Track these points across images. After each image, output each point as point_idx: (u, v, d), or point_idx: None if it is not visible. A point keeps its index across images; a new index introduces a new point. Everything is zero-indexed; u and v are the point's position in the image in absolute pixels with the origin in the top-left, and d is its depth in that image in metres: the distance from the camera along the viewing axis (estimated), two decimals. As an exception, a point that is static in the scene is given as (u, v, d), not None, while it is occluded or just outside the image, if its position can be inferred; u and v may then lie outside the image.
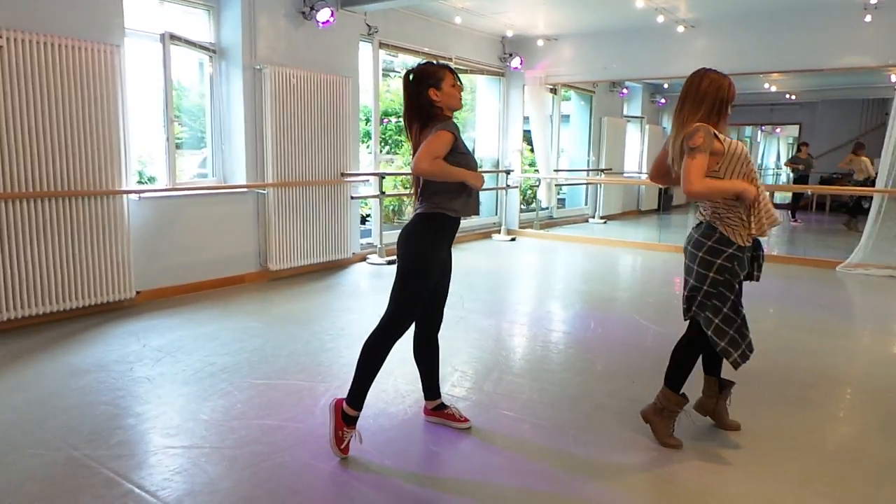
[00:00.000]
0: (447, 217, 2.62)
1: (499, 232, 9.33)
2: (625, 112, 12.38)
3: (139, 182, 5.51)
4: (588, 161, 11.41)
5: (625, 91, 12.05)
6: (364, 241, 7.45)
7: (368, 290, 5.99)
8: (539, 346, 4.27)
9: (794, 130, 16.22)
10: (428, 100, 2.59)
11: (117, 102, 4.73)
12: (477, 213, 2.73)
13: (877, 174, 7.35)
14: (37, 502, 2.30)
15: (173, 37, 5.31)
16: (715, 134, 2.52)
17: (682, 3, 7.05)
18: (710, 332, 2.63)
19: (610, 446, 2.78)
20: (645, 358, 3.98)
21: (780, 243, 9.75)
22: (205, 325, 4.56)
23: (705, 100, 2.55)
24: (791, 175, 12.67)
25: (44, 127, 4.36)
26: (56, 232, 4.50)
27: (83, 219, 4.64)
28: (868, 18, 6.78)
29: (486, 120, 9.69)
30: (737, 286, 2.64)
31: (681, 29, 7.81)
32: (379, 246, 7.19)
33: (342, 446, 2.62)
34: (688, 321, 2.79)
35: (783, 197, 14.74)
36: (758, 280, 2.74)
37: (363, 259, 7.17)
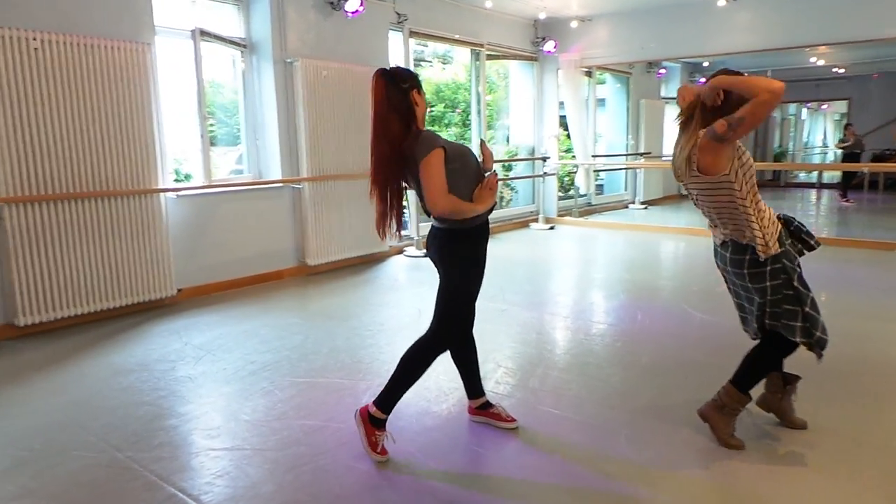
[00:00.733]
0: (472, 228, 2.49)
1: (537, 220, 9.15)
2: (662, 93, 12.01)
3: (176, 180, 5.53)
4: (626, 145, 11.12)
5: (662, 71, 11.68)
6: (400, 233, 7.36)
7: (406, 283, 5.91)
8: (583, 339, 4.13)
9: (841, 106, 15.53)
10: (409, 102, 2.40)
11: (151, 101, 4.73)
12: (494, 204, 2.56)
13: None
14: (81, 507, 2.28)
15: (204, 33, 5.29)
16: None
17: (725, -24, 6.74)
18: (799, 337, 2.45)
19: (664, 447, 2.64)
20: (696, 349, 3.80)
21: (830, 224, 9.34)
22: (245, 322, 4.54)
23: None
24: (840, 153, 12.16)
25: (80, 128, 4.38)
26: (96, 232, 4.53)
27: (122, 218, 4.66)
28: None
29: (521, 106, 9.49)
30: (798, 272, 2.45)
31: (722, 2, 7.46)
32: (416, 238, 7.10)
33: (378, 450, 2.54)
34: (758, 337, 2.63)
35: (831, 176, 14.16)
36: (818, 245, 2.58)
37: (400, 252, 7.10)
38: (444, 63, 10.68)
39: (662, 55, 9.17)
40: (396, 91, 2.39)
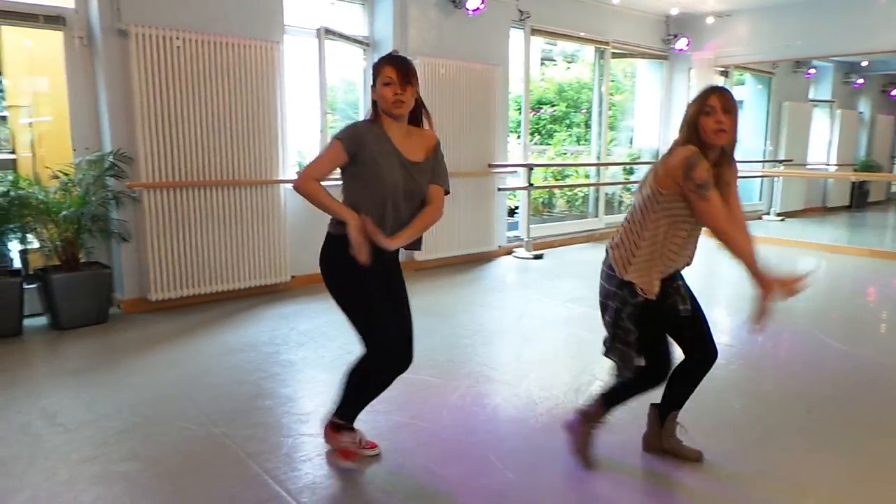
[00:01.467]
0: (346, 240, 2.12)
1: (656, 228, 8.67)
2: (811, 95, 10.95)
3: (297, 173, 5.78)
4: (764, 151, 10.25)
5: (811, 71, 10.64)
6: (511, 233, 7.27)
7: (512, 285, 5.81)
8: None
9: None
10: (374, 97, 2.24)
11: (277, 96, 4.99)
12: (401, 245, 2.22)
13: None
14: (178, 473, 2.42)
15: (328, 31, 5.49)
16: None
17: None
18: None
19: (784, 490, 2.35)
20: (825, 383, 3.38)
21: None
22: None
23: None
24: None
25: (213, 121, 4.70)
26: (222, 218, 4.84)
27: (245, 206, 4.95)
28: None
29: (646, 107, 9.04)
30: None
31: (887, -6, 6.65)
32: (526, 240, 6.97)
33: (355, 452, 2.43)
34: None
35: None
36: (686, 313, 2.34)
37: (509, 252, 6.99)
38: (569, 62, 10.43)
39: (811, 53, 8.35)
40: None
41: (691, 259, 2.33)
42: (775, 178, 10.17)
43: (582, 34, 7.55)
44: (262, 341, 4.00)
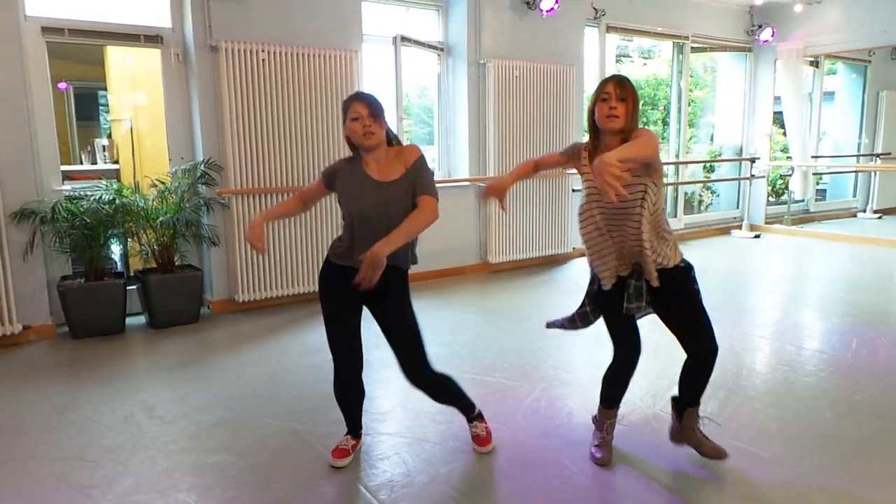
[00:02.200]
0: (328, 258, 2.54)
1: (740, 227, 8.32)
2: (913, 84, 10.18)
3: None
4: (859, 144, 9.62)
5: (913, 58, 9.89)
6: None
7: (585, 287, 5.72)
8: (782, 364, 3.65)
9: None
10: (345, 135, 2.41)
11: (354, 104, 5.14)
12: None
13: None
14: (264, 467, 2.56)
15: (404, 38, 5.61)
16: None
17: None
18: None
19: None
20: (929, 392, 3.16)
21: None
22: (424, 314, 4.67)
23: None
24: None
25: (296, 129, 4.90)
26: (304, 223, 5.03)
27: (325, 212, 5.11)
28: None
29: (729, 102, 8.69)
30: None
31: None
32: (600, 241, 6.85)
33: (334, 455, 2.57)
34: None
35: None
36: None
37: (583, 255, 6.89)
38: (646, 58, 10.16)
39: (913, 39, 7.76)
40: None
41: (626, 257, 2.39)
42: (872, 173, 9.53)
43: (659, 29, 7.35)
44: (340, 341, 4.13)
